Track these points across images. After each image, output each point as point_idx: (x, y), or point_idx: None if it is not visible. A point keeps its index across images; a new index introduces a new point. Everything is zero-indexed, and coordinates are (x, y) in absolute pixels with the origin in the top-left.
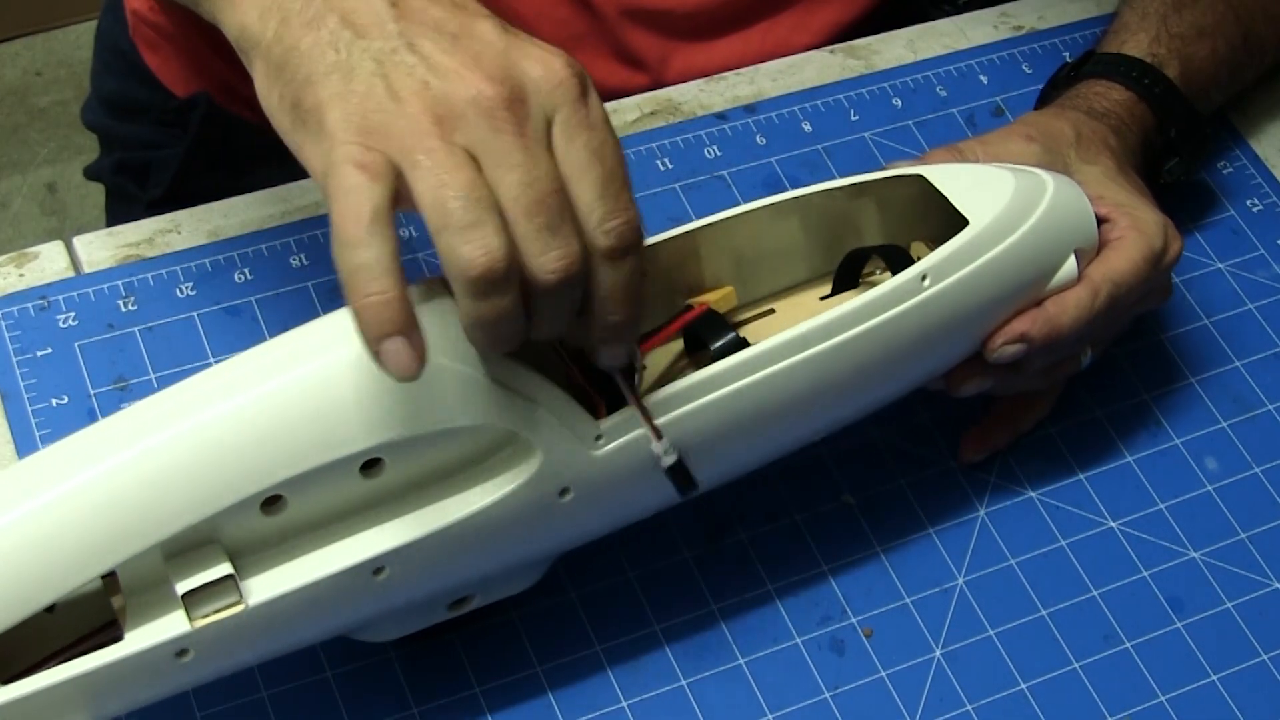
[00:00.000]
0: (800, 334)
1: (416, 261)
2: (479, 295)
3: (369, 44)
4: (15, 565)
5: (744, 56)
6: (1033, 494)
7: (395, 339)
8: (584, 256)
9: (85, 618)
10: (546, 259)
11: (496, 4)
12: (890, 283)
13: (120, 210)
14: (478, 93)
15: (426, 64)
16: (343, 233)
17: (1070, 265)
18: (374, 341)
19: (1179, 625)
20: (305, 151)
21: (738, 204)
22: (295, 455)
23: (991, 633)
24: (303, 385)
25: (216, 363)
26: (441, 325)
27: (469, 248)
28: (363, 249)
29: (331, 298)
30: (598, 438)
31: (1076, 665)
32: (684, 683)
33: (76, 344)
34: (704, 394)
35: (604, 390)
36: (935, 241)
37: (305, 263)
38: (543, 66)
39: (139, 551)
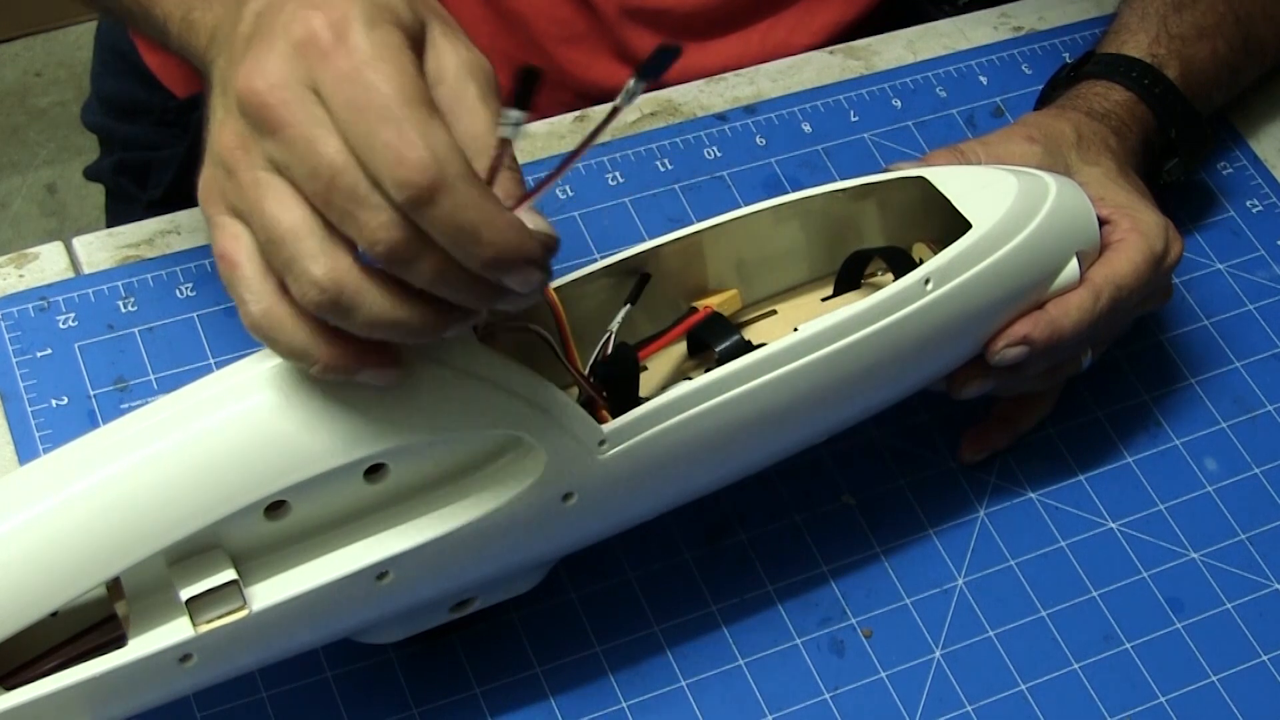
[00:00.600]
0: (804, 338)
1: None
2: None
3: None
4: (19, 572)
5: (743, 57)
6: (1033, 494)
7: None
8: (396, 220)
9: (89, 623)
10: (364, 242)
11: (499, 4)
12: (893, 286)
13: (120, 210)
14: (250, 94)
15: (224, 99)
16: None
17: (1072, 268)
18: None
19: (1179, 626)
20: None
21: (738, 204)
22: (299, 461)
23: (991, 633)
24: (307, 391)
25: (217, 364)
26: None
27: (303, 277)
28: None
29: None
30: (601, 442)
31: (1076, 666)
32: (684, 683)
33: (76, 345)
34: (709, 397)
35: (607, 394)
36: (937, 243)
37: None
38: (300, 26)
39: (143, 558)
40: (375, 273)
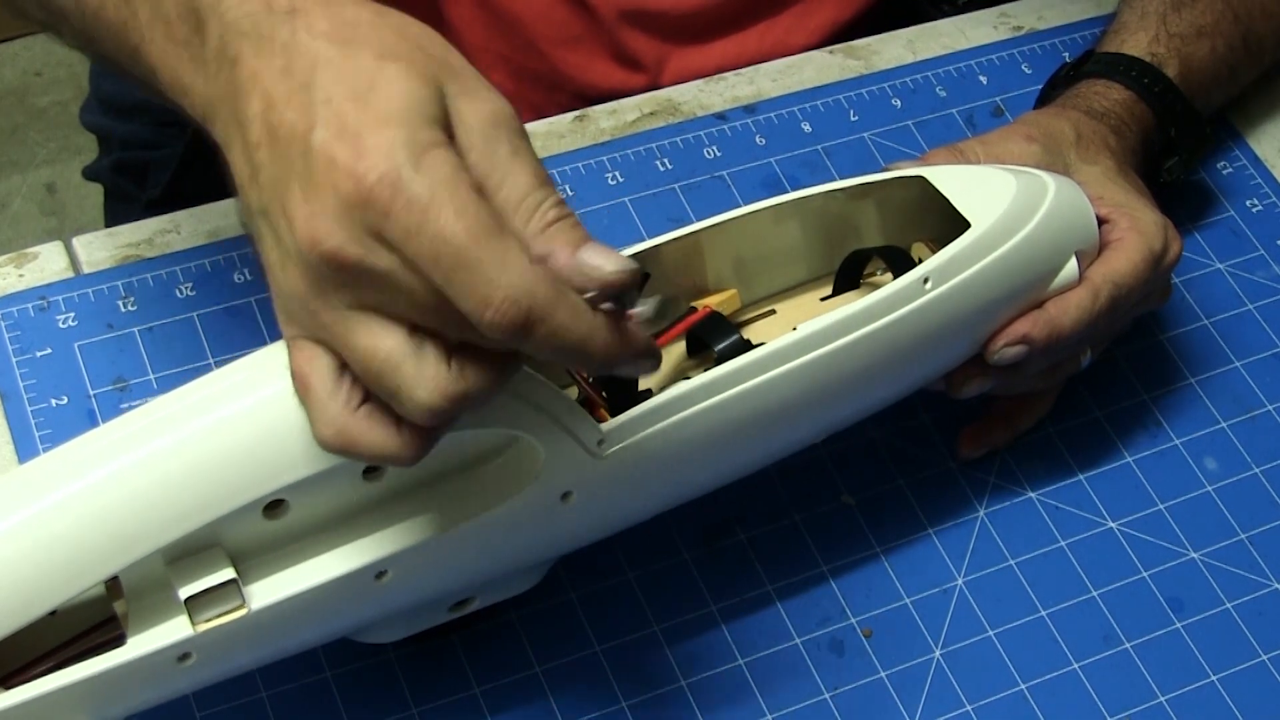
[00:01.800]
0: (803, 337)
1: None
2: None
3: (253, 200)
4: (18, 571)
5: (741, 57)
6: (1032, 494)
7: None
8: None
9: (87, 621)
10: (418, 397)
11: (495, 7)
12: (892, 286)
13: (119, 210)
14: (318, 253)
15: (274, 234)
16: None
17: (1071, 267)
18: None
19: (1179, 625)
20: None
21: (737, 204)
22: (298, 459)
23: (991, 633)
24: None
25: (216, 363)
26: None
27: (405, 400)
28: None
29: None
30: (600, 442)
31: (1076, 665)
32: (684, 683)
33: (76, 344)
34: (708, 396)
35: (606, 394)
36: (936, 243)
37: None
38: (349, 181)
39: (142, 556)
40: (475, 376)
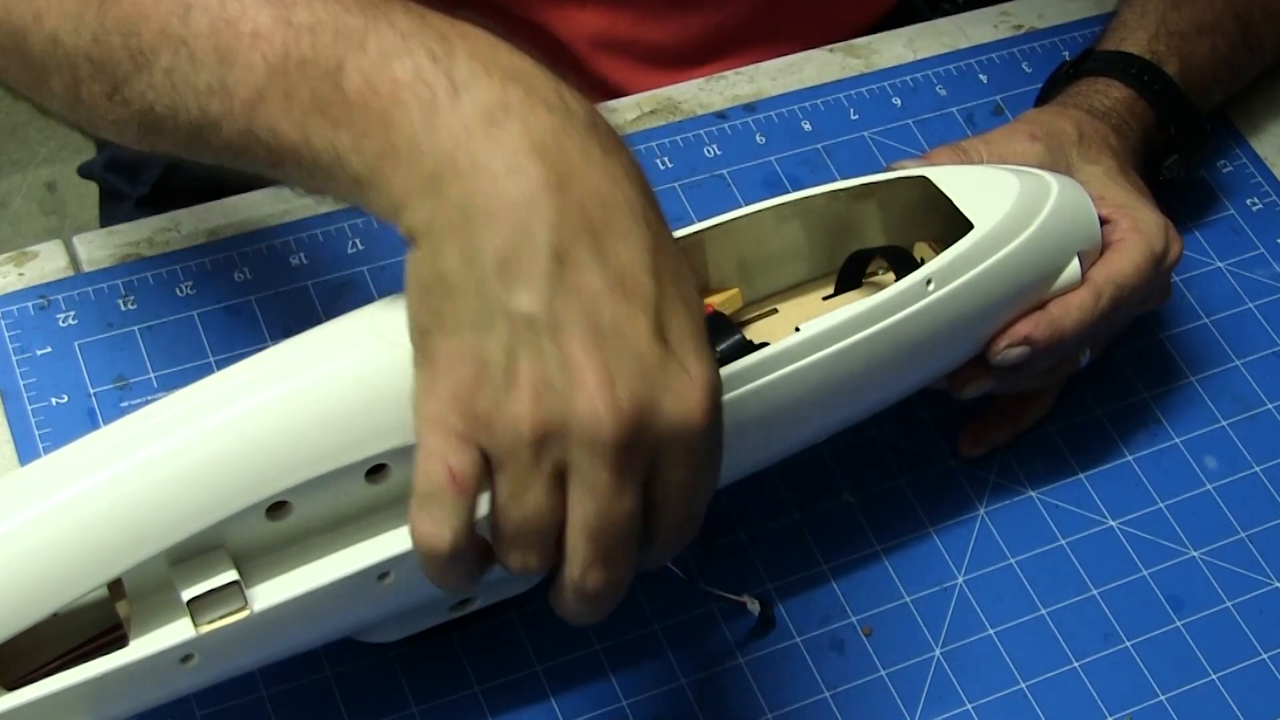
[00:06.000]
0: (806, 338)
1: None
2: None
3: (512, 305)
4: (21, 572)
5: None
6: (1033, 493)
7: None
8: (628, 577)
9: (90, 624)
10: (587, 579)
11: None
12: (895, 287)
13: (111, 208)
14: (595, 420)
15: (560, 359)
16: (422, 552)
17: (1074, 268)
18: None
19: (1179, 625)
20: (414, 363)
21: (738, 203)
22: (301, 462)
23: (991, 632)
24: (308, 391)
25: (217, 363)
26: None
27: (511, 560)
28: (443, 579)
29: (331, 297)
30: None
31: (1076, 665)
32: (683, 682)
33: (76, 343)
34: None
35: None
36: (938, 243)
37: (305, 262)
38: (680, 403)
39: (144, 558)
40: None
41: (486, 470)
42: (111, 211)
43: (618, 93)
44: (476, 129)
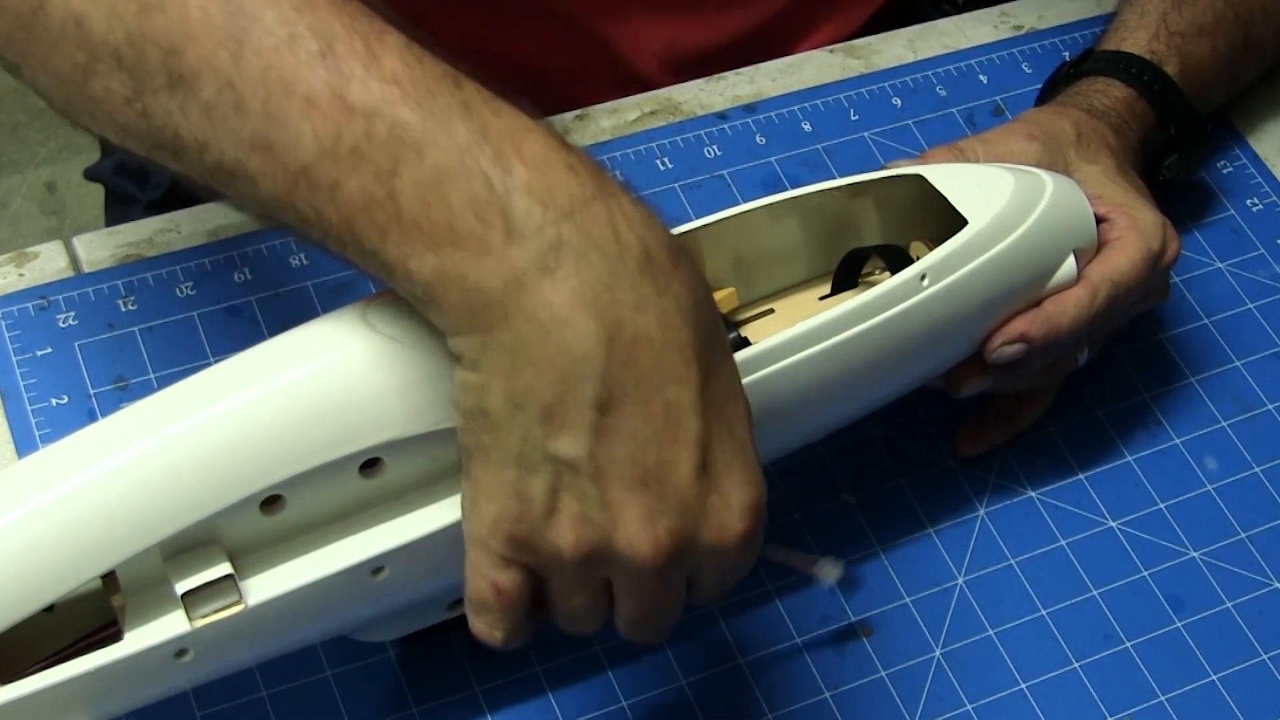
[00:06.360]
0: (799, 334)
1: None
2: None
3: (555, 450)
4: (14, 565)
5: None
6: (1033, 493)
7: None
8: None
9: (85, 617)
10: (635, 636)
11: (510, 62)
12: (889, 283)
13: (119, 211)
14: (634, 553)
15: (601, 499)
16: (482, 640)
17: (1069, 265)
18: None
19: (1179, 625)
20: (463, 471)
21: (738, 204)
22: (294, 455)
23: (991, 632)
24: (302, 385)
25: (216, 363)
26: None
27: (567, 629)
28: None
29: (331, 297)
30: None
31: (1076, 665)
32: (684, 682)
33: (76, 344)
34: None
35: None
36: (935, 241)
37: (305, 262)
38: (719, 533)
39: (138, 551)
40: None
41: (535, 577)
42: (119, 215)
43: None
44: (529, 277)
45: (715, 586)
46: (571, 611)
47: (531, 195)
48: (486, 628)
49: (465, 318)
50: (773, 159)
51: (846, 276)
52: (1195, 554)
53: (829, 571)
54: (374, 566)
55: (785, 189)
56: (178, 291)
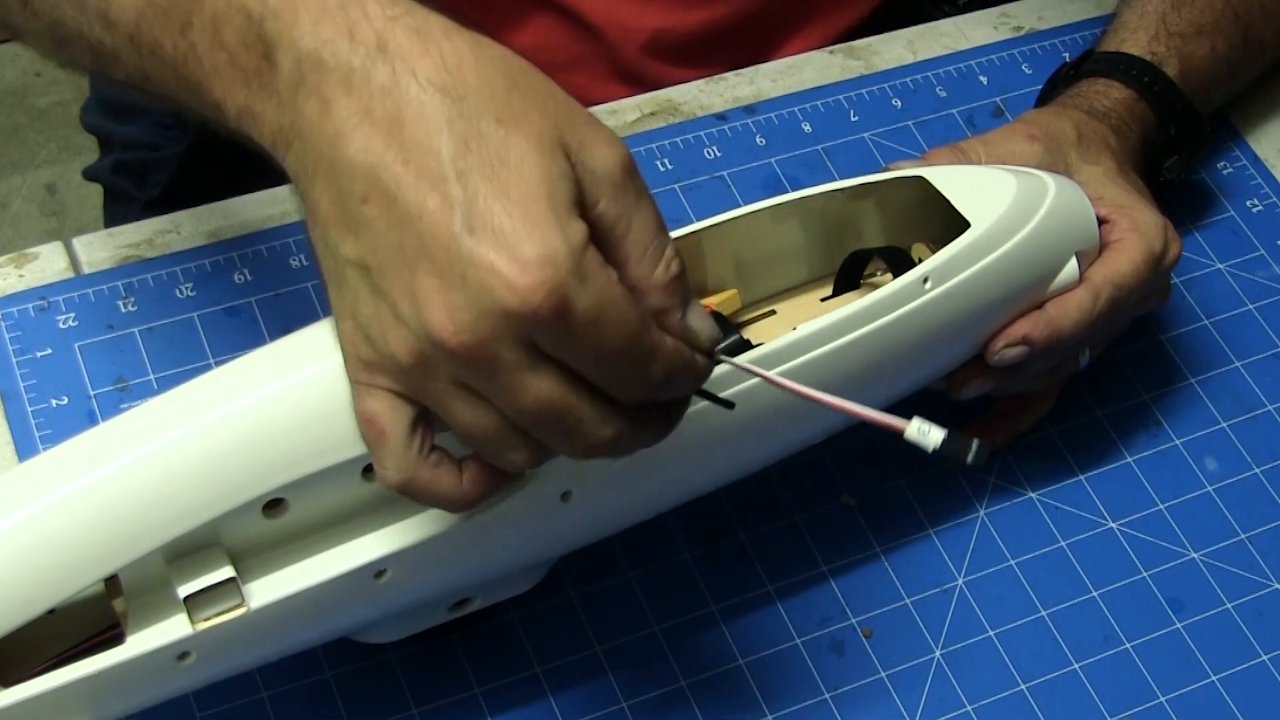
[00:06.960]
0: (802, 336)
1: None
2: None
3: (344, 253)
4: (17, 569)
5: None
6: (1033, 494)
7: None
8: (622, 432)
9: (87, 621)
10: (579, 450)
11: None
12: (892, 285)
13: (118, 211)
14: (442, 341)
15: (403, 293)
16: (407, 495)
17: (1071, 267)
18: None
19: (1179, 625)
20: None
21: (738, 204)
22: (297, 459)
23: (991, 633)
24: (305, 388)
25: (217, 364)
26: None
27: (498, 463)
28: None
29: None
30: None
31: (1076, 665)
32: (684, 683)
33: (76, 345)
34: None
35: None
36: (937, 243)
37: (305, 263)
38: (516, 295)
39: (141, 555)
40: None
41: (408, 402)
42: (117, 215)
43: (645, 83)
44: (290, 96)
45: (602, 368)
46: (465, 431)
47: (280, 19)
48: (382, 471)
49: (280, 150)
50: (773, 160)
51: (848, 278)
52: (1195, 555)
53: (927, 434)
54: (376, 569)
55: (785, 190)
56: (178, 292)
